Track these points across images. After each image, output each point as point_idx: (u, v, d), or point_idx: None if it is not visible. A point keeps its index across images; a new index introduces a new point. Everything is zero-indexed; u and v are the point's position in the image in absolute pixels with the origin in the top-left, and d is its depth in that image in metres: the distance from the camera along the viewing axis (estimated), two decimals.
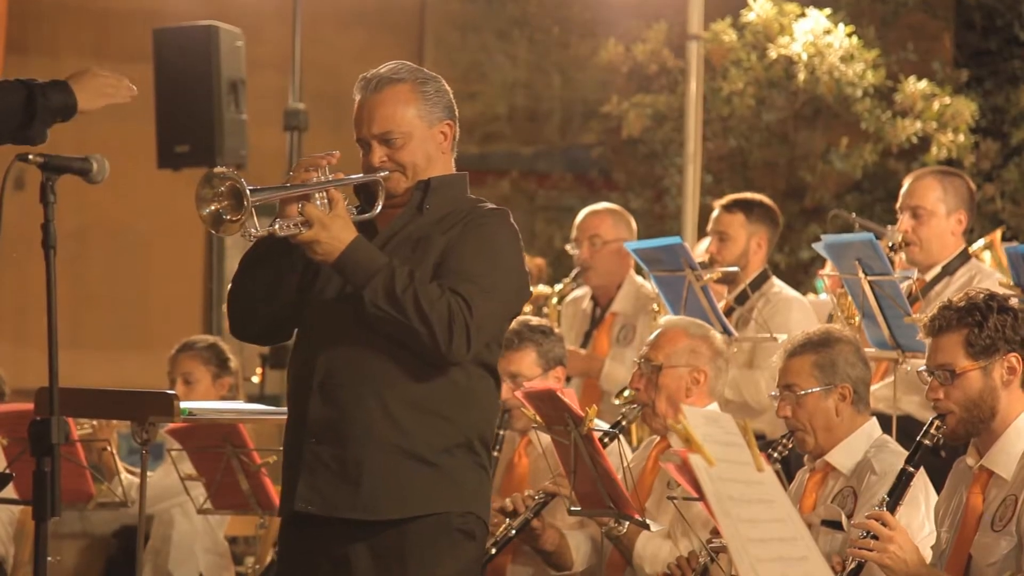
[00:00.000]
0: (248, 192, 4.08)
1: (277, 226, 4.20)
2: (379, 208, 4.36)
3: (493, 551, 5.56)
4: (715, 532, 4.92)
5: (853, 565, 4.53)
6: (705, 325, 5.92)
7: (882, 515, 4.49)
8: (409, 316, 4.17)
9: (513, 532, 5.58)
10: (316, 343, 4.34)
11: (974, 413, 4.53)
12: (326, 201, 4.23)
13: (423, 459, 4.27)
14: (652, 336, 5.82)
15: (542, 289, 8.56)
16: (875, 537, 4.46)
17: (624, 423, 5.76)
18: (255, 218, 4.14)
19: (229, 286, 4.45)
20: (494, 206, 4.42)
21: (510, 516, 5.66)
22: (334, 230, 4.19)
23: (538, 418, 5.45)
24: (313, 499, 4.29)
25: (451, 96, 4.47)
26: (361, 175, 4.38)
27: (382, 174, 4.36)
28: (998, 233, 8.51)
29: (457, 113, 4.49)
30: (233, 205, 4.12)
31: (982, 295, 4.56)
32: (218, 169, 4.15)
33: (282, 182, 4.31)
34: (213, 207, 4.14)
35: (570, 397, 5.24)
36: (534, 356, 6.22)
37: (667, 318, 6.15)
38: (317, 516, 4.30)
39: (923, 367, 4.64)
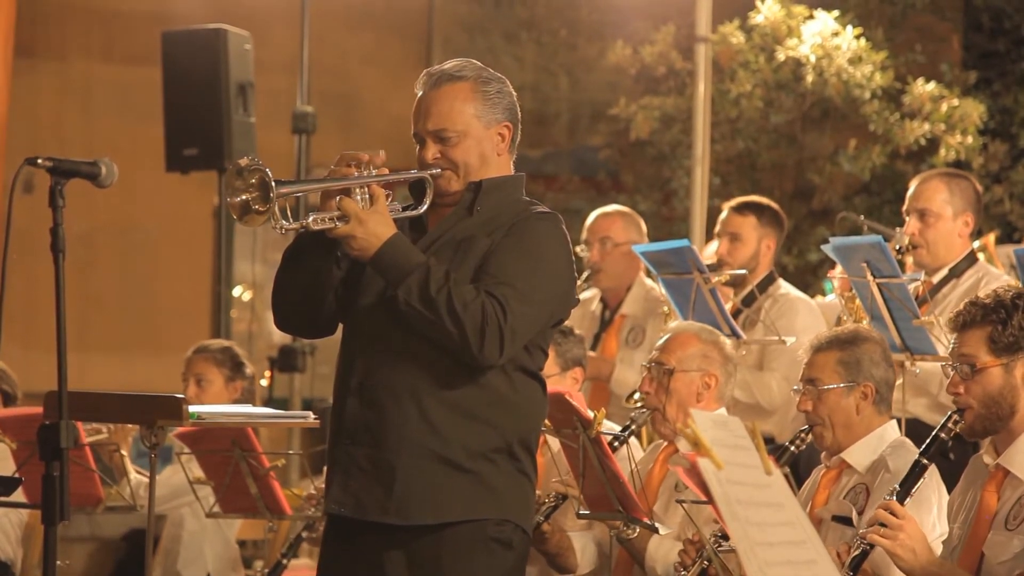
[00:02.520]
0: (274, 184, 4.05)
1: (311, 219, 4.14)
2: (425, 206, 4.31)
3: None
4: (717, 521, 4.92)
5: (857, 552, 4.53)
6: (715, 330, 5.91)
7: (891, 505, 4.50)
8: (442, 316, 4.11)
9: None
10: (357, 344, 4.31)
11: (992, 410, 4.54)
12: (367, 196, 4.18)
13: (458, 464, 4.21)
14: (662, 340, 5.80)
15: None
16: (885, 526, 4.46)
17: (633, 427, 5.75)
18: (287, 211, 4.10)
19: (274, 278, 4.42)
20: (544, 209, 4.34)
21: None
22: (370, 226, 4.14)
23: (546, 421, 5.45)
24: (346, 501, 4.26)
25: (514, 98, 4.41)
26: (404, 172, 4.32)
27: (432, 172, 4.30)
28: (991, 236, 8.51)
29: (519, 115, 4.42)
30: (261, 196, 4.08)
31: (1011, 293, 4.58)
32: (245, 160, 4.11)
33: (324, 175, 4.25)
34: (243, 197, 4.10)
35: (578, 400, 5.24)
36: (552, 354, 6.21)
37: (676, 323, 6.14)
38: (353, 519, 4.27)
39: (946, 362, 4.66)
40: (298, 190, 4.21)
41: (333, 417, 4.35)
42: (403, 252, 4.17)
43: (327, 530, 4.40)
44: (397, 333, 4.22)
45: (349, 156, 4.23)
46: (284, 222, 4.10)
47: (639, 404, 5.87)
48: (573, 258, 4.37)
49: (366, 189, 4.18)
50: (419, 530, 4.22)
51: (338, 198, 4.17)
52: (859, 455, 5.08)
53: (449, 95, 4.32)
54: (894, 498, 4.54)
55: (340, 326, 4.45)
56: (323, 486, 4.45)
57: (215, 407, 6.21)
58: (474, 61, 4.42)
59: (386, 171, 4.24)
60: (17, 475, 5.62)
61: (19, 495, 5.64)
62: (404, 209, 4.33)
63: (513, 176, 4.40)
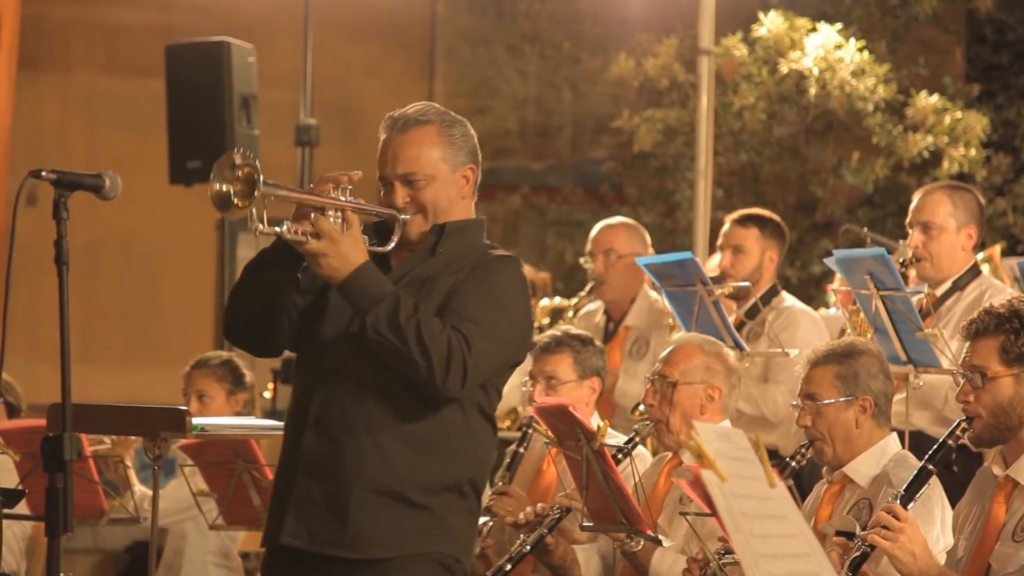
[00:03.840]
0: (261, 181, 4.06)
1: (286, 227, 4.16)
2: (393, 243, 4.35)
3: (508, 567, 5.56)
4: (723, 539, 4.92)
5: (857, 554, 4.53)
6: (718, 342, 5.92)
7: (894, 507, 4.50)
8: (409, 346, 4.14)
9: (528, 548, 5.57)
10: (315, 377, 4.34)
11: (1001, 419, 4.54)
12: (340, 220, 4.21)
13: (411, 501, 4.25)
14: (665, 352, 5.80)
15: (559, 302, 8.56)
16: (886, 528, 4.46)
17: (637, 439, 5.76)
18: (263, 211, 4.09)
19: (231, 290, 4.44)
20: (505, 252, 4.41)
21: (523, 530, 5.66)
22: (343, 248, 4.17)
23: (550, 433, 5.45)
24: (300, 534, 4.27)
25: (476, 141, 4.46)
26: (382, 207, 4.36)
27: (403, 217, 4.35)
28: (997, 248, 8.50)
29: (480, 157, 4.48)
30: (244, 191, 4.09)
31: None
32: (239, 154, 4.12)
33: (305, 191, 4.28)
34: (226, 187, 4.11)
35: (582, 412, 5.24)
36: (570, 361, 6.23)
37: (680, 334, 6.15)
38: (301, 550, 4.28)
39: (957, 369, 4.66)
40: (282, 193, 4.21)
41: (288, 449, 4.37)
42: (375, 280, 4.20)
43: (268, 561, 4.39)
44: (357, 367, 4.25)
45: (330, 177, 4.26)
46: (260, 224, 4.10)
47: (644, 416, 5.88)
48: (531, 302, 4.42)
49: (340, 213, 4.21)
50: (369, 562, 4.25)
51: (313, 215, 4.19)
52: (861, 469, 5.07)
53: (417, 139, 4.36)
54: (898, 502, 4.54)
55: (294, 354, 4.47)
56: None
57: (218, 419, 6.21)
58: (435, 105, 4.47)
59: (362, 201, 4.28)
60: (20, 487, 5.62)
61: (22, 507, 5.64)
62: (371, 244, 4.35)
63: (476, 220, 4.47)
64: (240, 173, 4.10)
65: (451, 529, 4.30)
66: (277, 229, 4.15)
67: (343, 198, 4.23)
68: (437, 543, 4.28)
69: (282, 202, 4.21)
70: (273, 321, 4.37)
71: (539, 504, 5.74)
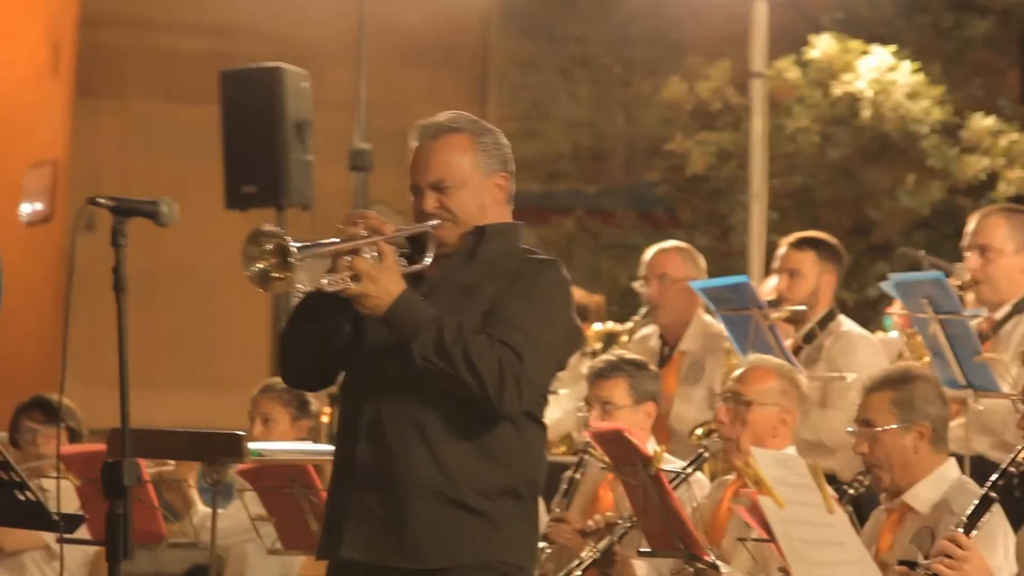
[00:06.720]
0: (294, 249, 4.07)
1: (326, 281, 4.17)
2: (429, 259, 4.32)
3: (579, 572, 5.58)
4: (783, 569, 4.89)
5: None
6: (793, 368, 5.89)
7: (956, 536, 4.46)
8: (459, 369, 4.13)
9: (598, 555, 5.58)
10: (364, 389, 4.32)
11: None
12: (375, 254, 4.21)
13: (469, 507, 4.22)
14: (739, 372, 5.78)
15: (613, 326, 8.55)
16: (950, 557, 4.42)
17: (706, 455, 5.74)
18: (302, 274, 4.12)
19: (282, 334, 4.44)
20: (545, 256, 4.36)
21: (592, 538, 5.68)
22: (382, 283, 4.16)
23: (606, 458, 5.44)
24: (359, 545, 4.25)
25: (509, 150, 4.42)
26: (411, 226, 4.34)
27: (432, 223, 4.32)
28: None
29: (514, 167, 4.44)
30: (279, 262, 4.10)
31: None
32: (265, 227, 4.13)
33: (332, 236, 4.25)
34: (260, 265, 4.12)
35: (638, 437, 5.23)
36: (625, 386, 6.23)
37: (755, 356, 6.11)
38: (362, 563, 4.26)
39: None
40: (315, 253, 4.22)
41: (341, 462, 4.35)
42: (415, 308, 4.19)
43: (332, 573, 4.35)
44: (405, 377, 4.22)
45: (356, 214, 4.26)
46: (300, 285, 4.12)
47: (714, 436, 5.85)
48: (580, 294, 4.37)
49: (374, 247, 4.21)
50: (430, 572, 4.23)
51: (349, 258, 4.19)
52: (921, 496, 5.01)
53: (447, 146, 4.34)
54: (960, 530, 4.50)
55: None
56: None
57: (275, 444, 6.23)
58: (467, 113, 4.44)
59: (391, 226, 4.26)
60: (81, 512, 5.65)
61: (83, 532, 5.67)
62: (409, 264, 4.33)
63: (515, 223, 4.43)
64: (269, 246, 4.11)
65: (510, 537, 4.25)
66: (318, 285, 4.15)
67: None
68: (498, 552, 4.24)
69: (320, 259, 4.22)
70: (330, 359, 4.38)
71: (608, 513, 5.74)
